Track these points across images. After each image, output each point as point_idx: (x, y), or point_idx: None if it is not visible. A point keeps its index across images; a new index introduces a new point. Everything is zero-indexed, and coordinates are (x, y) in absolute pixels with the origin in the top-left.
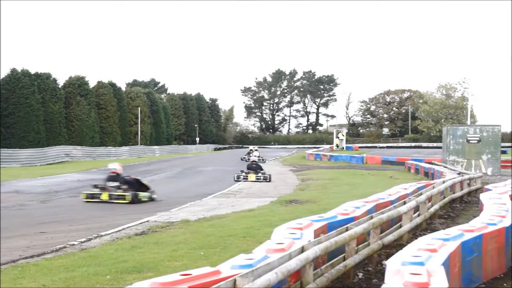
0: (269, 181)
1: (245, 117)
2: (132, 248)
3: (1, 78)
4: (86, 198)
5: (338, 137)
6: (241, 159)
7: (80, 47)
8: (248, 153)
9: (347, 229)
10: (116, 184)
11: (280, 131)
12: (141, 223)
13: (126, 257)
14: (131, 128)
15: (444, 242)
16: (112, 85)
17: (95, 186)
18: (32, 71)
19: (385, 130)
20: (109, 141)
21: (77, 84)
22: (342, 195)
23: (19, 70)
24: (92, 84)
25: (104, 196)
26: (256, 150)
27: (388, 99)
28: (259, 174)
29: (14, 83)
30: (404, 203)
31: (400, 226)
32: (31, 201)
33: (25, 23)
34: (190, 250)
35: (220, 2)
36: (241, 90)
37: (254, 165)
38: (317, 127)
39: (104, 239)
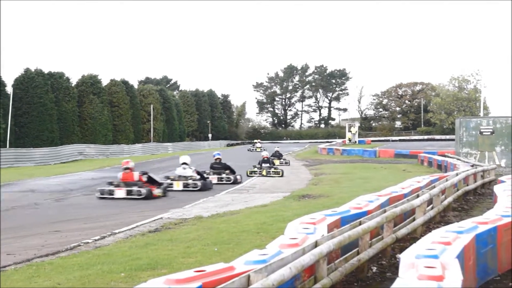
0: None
1: (257, 113)
2: (146, 245)
3: (16, 77)
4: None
5: (351, 131)
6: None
7: (92, 46)
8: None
9: (360, 223)
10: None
11: (293, 126)
12: (154, 220)
13: (140, 254)
14: (143, 126)
15: (458, 235)
16: (124, 83)
17: (111, 183)
18: (46, 71)
19: (398, 123)
20: (122, 139)
21: (90, 82)
22: (355, 189)
23: (33, 70)
24: (104, 82)
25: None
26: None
27: (400, 92)
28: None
29: (28, 83)
30: (418, 196)
31: (414, 220)
32: (45, 200)
33: (38, 23)
34: (203, 246)
35: None
36: (253, 85)
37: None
38: (329, 121)
39: (118, 236)
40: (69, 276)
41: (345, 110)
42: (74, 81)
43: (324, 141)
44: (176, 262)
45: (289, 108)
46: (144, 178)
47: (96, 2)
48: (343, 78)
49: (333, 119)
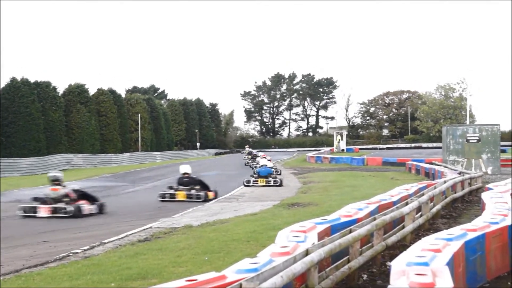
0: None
1: (245, 121)
2: (136, 255)
3: (1, 87)
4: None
5: (338, 140)
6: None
7: (79, 55)
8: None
9: (350, 231)
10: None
11: (281, 135)
12: (144, 229)
13: (130, 264)
14: (131, 135)
15: (447, 242)
16: (111, 92)
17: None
18: (32, 80)
19: (385, 132)
20: (109, 148)
21: (77, 91)
22: (344, 197)
23: (19, 79)
24: (92, 91)
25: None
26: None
27: (387, 100)
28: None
29: (14, 92)
30: (407, 204)
31: (403, 227)
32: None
33: (24, 32)
34: (194, 255)
35: (217, 5)
36: (240, 94)
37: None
38: (317, 129)
39: (107, 246)
40: (58, 286)
41: (332, 118)
42: (61, 90)
43: (312, 150)
44: (167, 272)
45: (277, 117)
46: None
47: (83, 11)
48: (331, 87)
49: (321, 128)
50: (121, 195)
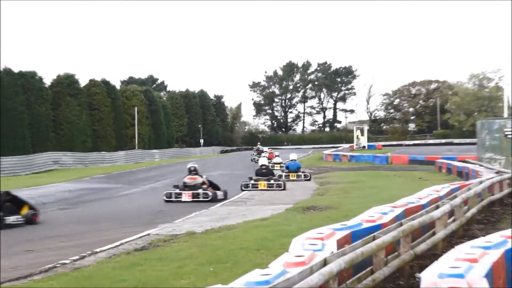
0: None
1: (254, 115)
2: (132, 265)
3: None
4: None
5: (359, 135)
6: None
7: (68, 42)
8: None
9: (374, 238)
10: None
11: (294, 130)
12: (140, 237)
13: (125, 275)
14: (127, 131)
15: (485, 251)
16: (105, 83)
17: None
18: (16, 70)
19: (411, 126)
20: (102, 146)
21: (66, 83)
22: (366, 199)
23: (1, 69)
24: (83, 82)
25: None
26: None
27: (413, 91)
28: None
29: None
30: (437, 207)
31: (434, 234)
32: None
33: (7, 16)
34: (197, 266)
35: None
36: (249, 85)
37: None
38: (335, 124)
39: (99, 256)
40: None
41: (352, 111)
42: (48, 81)
43: (329, 147)
44: (167, 284)
45: (289, 110)
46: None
47: None
48: (350, 76)
49: (339, 122)
50: (115, 198)
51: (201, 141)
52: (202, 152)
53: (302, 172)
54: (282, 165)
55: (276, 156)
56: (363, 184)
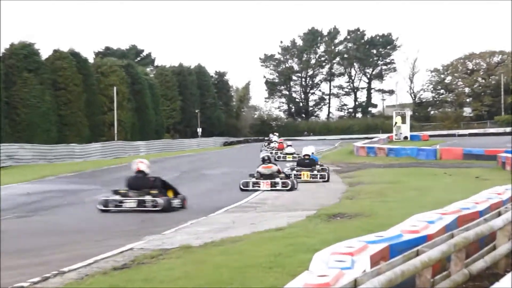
0: (292, 189)
1: (266, 98)
2: None
3: None
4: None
5: (398, 123)
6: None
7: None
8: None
9: (417, 253)
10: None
11: (317, 116)
12: (121, 252)
13: None
14: (103, 117)
15: None
16: (74, 55)
17: None
18: None
19: (467, 111)
20: (72, 136)
21: (23, 54)
22: (407, 204)
23: None
24: (45, 54)
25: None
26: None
27: (470, 66)
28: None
29: None
30: (499, 214)
31: (494, 248)
32: None
33: None
34: None
35: None
36: (260, 59)
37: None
38: (369, 109)
39: (67, 277)
40: None
41: (391, 92)
42: None
43: (361, 137)
44: None
45: (311, 91)
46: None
47: None
48: (388, 47)
49: (375, 106)
50: (89, 203)
51: (199, 130)
52: (200, 145)
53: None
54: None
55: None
56: (404, 185)
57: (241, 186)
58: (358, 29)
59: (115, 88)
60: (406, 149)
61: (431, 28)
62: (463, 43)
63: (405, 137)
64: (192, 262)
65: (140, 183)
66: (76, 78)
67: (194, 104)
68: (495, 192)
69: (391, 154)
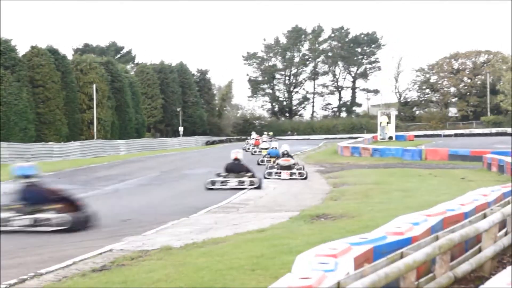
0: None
1: (249, 96)
2: None
3: None
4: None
5: (381, 123)
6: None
7: None
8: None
9: (402, 256)
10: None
11: (301, 116)
12: (100, 253)
13: None
14: (83, 115)
15: None
16: (52, 51)
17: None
18: None
19: (453, 111)
20: (50, 135)
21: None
22: (392, 206)
23: None
24: (22, 50)
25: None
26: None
27: (456, 65)
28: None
29: None
30: (484, 216)
31: (480, 250)
32: None
33: None
34: None
35: None
36: (243, 57)
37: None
38: (354, 108)
39: (45, 279)
40: None
41: (376, 92)
42: None
43: (346, 137)
44: None
45: (295, 90)
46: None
47: None
48: (373, 46)
49: (359, 105)
50: None
51: (181, 129)
52: (181, 144)
53: (297, 168)
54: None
55: (263, 142)
56: (389, 186)
57: (266, 176)
58: (342, 28)
59: (94, 86)
60: (391, 150)
61: (416, 27)
62: (449, 41)
63: (390, 137)
64: (173, 264)
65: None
66: (55, 76)
67: (176, 102)
68: (481, 194)
69: (376, 154)
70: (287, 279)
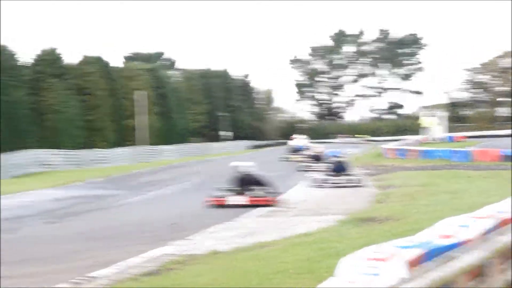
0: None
1: (297, 99)
2: None
3: None
4: None
5: (429, 124)
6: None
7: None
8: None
9: (453, 259)
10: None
11: (341, 118)
12: (149, 258)
13: None
14: (128, 122)
15: None
16: (98, 60)
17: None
18: None
19: (503, 111)
20: (98, 141)
21: (49, 60)
22: (440, 208)
23: None
24: (73, 60)
25: None
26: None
27: (506, 64)
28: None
29: None
30: None
31: None
32: None
33: None
34: None
35: None
36: (290, 61)
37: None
38: (398, 110)
39: (97, 283)
40: None
41: (421, 93)
42: (27, 58)
43: (391, 139)
44: None
45: (338, 92)
46: None
47: None
48: (414, 46)
49: (402, 107)
50: (114, 208)
51: (226, 133)
52: (226, 148)
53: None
54: None
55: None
56: (436, 188)
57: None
58: (385, 30)
59: (141, 92)
60: (438, 151)
61: (462, 24)
62: (498, 39)
63: (438, 139)
64: (220, 268)
65: (341, 168)
66: (102, 83)
67: (220, 107)
68: None
69: (423, 156)
70: (333, 283)
